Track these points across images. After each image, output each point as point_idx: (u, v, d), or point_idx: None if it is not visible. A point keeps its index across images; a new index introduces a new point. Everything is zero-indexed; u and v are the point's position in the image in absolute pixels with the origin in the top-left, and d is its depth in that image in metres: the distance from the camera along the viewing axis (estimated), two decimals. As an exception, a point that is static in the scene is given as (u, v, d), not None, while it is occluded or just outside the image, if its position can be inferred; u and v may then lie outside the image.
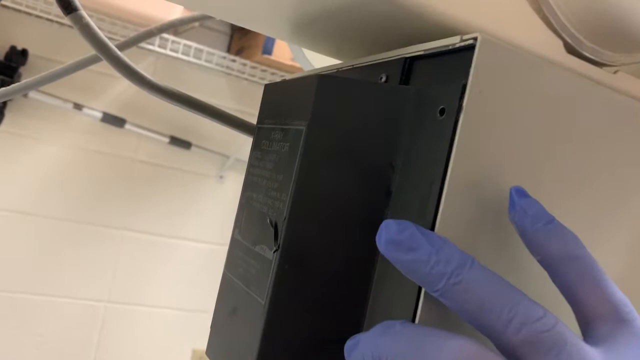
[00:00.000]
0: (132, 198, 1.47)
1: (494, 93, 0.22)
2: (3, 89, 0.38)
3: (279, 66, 1.38)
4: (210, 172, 1.55)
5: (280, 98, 0.30)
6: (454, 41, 0.23)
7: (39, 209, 1.38)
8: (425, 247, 0.20)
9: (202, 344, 1.55)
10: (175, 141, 1.47)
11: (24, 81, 0.38)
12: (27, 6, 1.25)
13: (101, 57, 0.30)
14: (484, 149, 0.22)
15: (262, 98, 0.32)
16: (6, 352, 1.37)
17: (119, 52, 0.30)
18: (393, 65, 0.26)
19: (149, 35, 0.43)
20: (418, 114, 0.24)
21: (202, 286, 1.54)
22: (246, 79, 1.45)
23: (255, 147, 0.31)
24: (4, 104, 1.31)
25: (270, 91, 0.31)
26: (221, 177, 1.56)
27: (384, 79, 0.27)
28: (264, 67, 1.41)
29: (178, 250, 1.53)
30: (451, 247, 0.20)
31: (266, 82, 1.45)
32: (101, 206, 1.44)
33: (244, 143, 1.51)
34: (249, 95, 1.50)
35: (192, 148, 1.49)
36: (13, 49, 1.31)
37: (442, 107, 0.22)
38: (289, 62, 1.34)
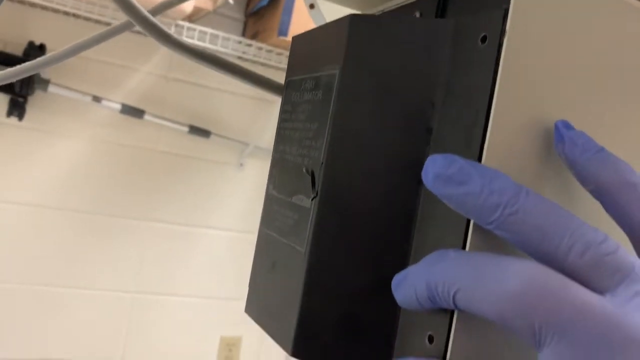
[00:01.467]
0: (154, 188, 1.48)
1: (538, 18, 0.21)
2: (26, 63, 0.38)
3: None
4: (230, 160, 1.55)
5: (309, 47, 0.29)
6: None
7: (63, 203, 1.40)
8: (476, 179, 0.19)
9: (230, 331, 1.57)
10: (195, 130, 1.47)
11: (49, 54, 0.38)
12: (42, 0, 1.25)
13: (131, 19, 0.30)
14: (530, 76, 0.21)
15: (290, 51, 0.31)
16: (36, 344, 1.40)
17: (146, 12, 0.30)
18: (426, 2, 0.26)
19: (170, 4, 0.42)
20: (458, 45, 0.23)
21: (226, 274, 1.54)
22: (262, 64, 1.44)
23: (285, 102, 0.30)
24: (25, 99, 1.32)
25: (298, 42, 0.30)
26: (241, 164, 1.56)
27: (418, 17, 0.26)
28: (279, 51, 1.40)
29: (201, 239, 1.54)
30: (503, 178, 0.19)
31: (282, 65, 1.45)
32: (124, 197, 1.45)
33: (262, 130, 1.51)
34: (266, 80, 1.49)
35: (212, 137, 1.49)
36: (31, 44, 1.32)
37: (483, 34, 0.21)
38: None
